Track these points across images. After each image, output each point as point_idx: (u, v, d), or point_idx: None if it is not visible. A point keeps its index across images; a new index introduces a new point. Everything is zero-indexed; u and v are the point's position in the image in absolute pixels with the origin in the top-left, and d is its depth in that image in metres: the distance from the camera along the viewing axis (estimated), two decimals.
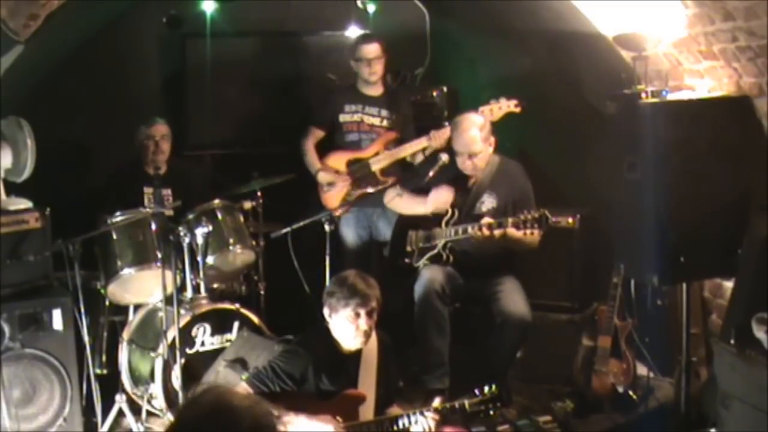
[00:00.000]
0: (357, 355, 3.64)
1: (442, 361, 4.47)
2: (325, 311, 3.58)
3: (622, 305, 4.40)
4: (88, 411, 4.16)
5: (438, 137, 4.80)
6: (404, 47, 5.87)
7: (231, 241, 4.56)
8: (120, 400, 4.26)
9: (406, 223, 4.78)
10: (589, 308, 4.62)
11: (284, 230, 4.51)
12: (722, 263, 3.80)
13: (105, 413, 4.20)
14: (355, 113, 5.07)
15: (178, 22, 5.59)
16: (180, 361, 4.08)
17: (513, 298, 4.42)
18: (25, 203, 4.09)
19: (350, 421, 3.51)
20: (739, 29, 3.60)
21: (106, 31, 5.67)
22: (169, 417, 4.18)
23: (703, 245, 3.73)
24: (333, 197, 5.02)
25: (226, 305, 4.45)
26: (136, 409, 4.29)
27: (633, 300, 4.41)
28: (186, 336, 4.25)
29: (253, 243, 4.76)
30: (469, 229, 4.37)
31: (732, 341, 3.42)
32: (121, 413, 4.28)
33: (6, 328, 3.86)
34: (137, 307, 4.59)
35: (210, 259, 4.50)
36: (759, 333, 3.27)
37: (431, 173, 4.58)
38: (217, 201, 4.59)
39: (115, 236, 4.33)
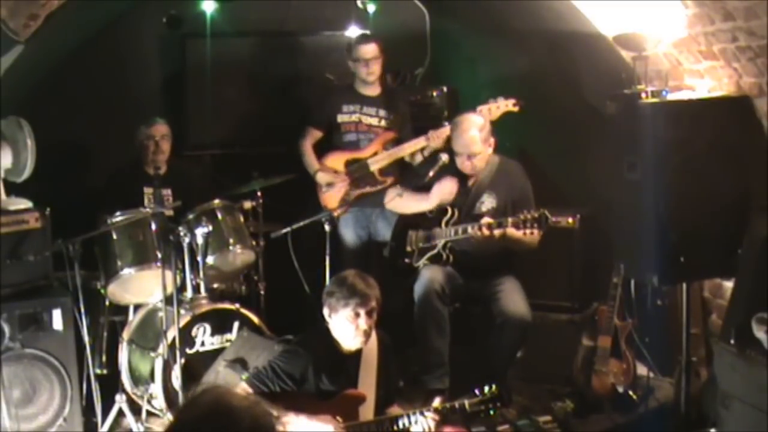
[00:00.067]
0: (357, 355, 3.64)
1: (442, 361, 4.47)
2: (325, 311, 3.58)
3: (622, 305, 4.40)
4: (88, 411, 4.16)
5: (436, 137, 4.80)
6: (404, 47, 5.87)
7: (231, 241, 4.56)
8: (120, 400, 4.26)
9: (406, 224, 4.78)
10: (589, 308, 4.62)
11: (284, 230, 4.51)
12: (722, 263, 3.80)
13: (105, 413, 4.20)
14: (353, 113, 5.07)
15: (178, 22, 5.59)
16: (180, 361, 4.08)
17: (513, 299, 4.42)
18: (25, 203, 4.09)
19: (350, 421, 3.51)
20: (739, 29, 3.60)
21: (106, 31, 5.67)
22: (169, 417, 4.18)
23: (703, 245, 3.73)
24: (332, 197, 5.02)
25: (226, 305, 4.45)
26: (136, 409, 4.29)
27: (633, 300, 4.41)
28: (186, 336, 4.25)
29: (253, 243, 4.76)
30: (469, 229, 4.37)
31: (732, 341, 3.42)
32: (121, 413, 4.28)
33: (6, 328, 3.86)
34: (137, 307, 4.59)
35: (210, 259, 4.50)
36: (759, 333, 3.27)
37: (431, 173, 4.59)
38: (217, 201, 4.59)
39: (115, 236, 4.33)
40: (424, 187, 4.66)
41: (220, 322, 4.39)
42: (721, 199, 3.75)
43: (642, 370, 4.47)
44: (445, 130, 4.76)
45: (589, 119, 4.99)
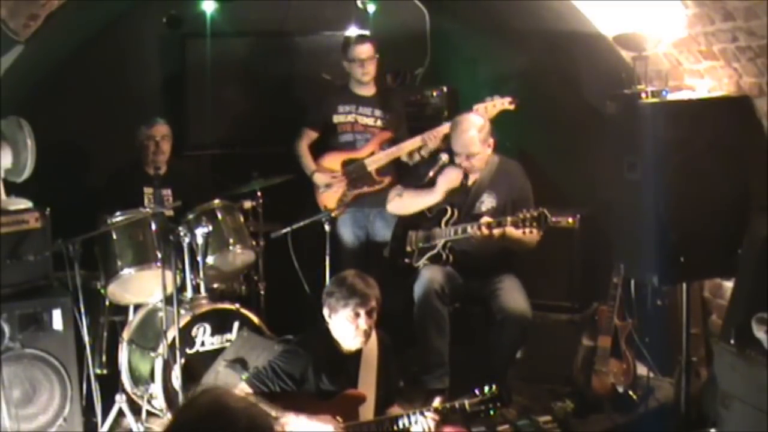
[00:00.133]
0: (357, 355, 3.64)
1: (442, 361, 4.47)
2: (325, 311, 3.58)
3: (622, 305, 4.40)
4: (88, 411, 4.16)
5: (433, 136, 4.80)
6: (404, 47, 5.87)
7: (231, 241, 4.56)
8: (120, 400, 4.26)
9: (406, 224, 4.78)
10: (589, 308, 4.62)
11: (284, 230, 4.52)
12: (722, 263, 3.80)
13: (105, 413, 4.20)
14: (348, 114, 5.06)
15: (178, 22, 5.59)
16: (180, 361, 4.08)
17: (513, 295, 4.42)
18: (25, 203, 4.09)
19: (350, 421, 3.51)
20: (739, 29, 3.60)
21: (106, 31, 5.66)
22: (169, 417, 4.18)
23: (703, 245, 3.73)
24: (329, 198, 5.01)
25: (226, 305, 4.45)
26: (136, 409, 4.29)
27: (633, 300, 4.42)
28: (186, 336, 4.25)
29: (253, 243, 4.76)
30: (469, 229, 4.38)
31: (732, 341, 3.42)
32: (121, 413, 4.28)
33: (6, 328, 3.86)
34: (137, 307, 4.59)
35: (210, 259, 4.50)
36: (759, 333, 3.27)
37: (431, 173, 4.60)
38: (217, 201, 4.59)
39: (115, 236, 4.33)
40: (425, 187, 4.65)
41: (220, 322, 4.39)
42: (721, 199, 3.75)
43: (642, 370, 4.47)
44: (442, 129, 4.77)
45: (589, 119, 4.99)
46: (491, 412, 3.54)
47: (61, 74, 5.47)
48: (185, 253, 4.37)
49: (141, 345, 4.42)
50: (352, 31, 5.71)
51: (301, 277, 4.64)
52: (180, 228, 4.28)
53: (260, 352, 4.06)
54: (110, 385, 4.32)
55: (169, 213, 4.68)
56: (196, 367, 4.23)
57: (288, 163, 5.12)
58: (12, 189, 4.18)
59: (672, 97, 3.99)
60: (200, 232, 4.38)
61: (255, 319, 4.44)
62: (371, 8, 5.82)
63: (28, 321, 3.92)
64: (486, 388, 3.52)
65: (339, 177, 5.01)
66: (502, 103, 4.69)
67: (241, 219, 4.73)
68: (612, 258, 4.27)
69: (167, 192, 4.94)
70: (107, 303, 4.44)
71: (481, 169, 4.58)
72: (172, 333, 4.15)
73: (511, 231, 4.28)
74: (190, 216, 4.46)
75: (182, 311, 4.23)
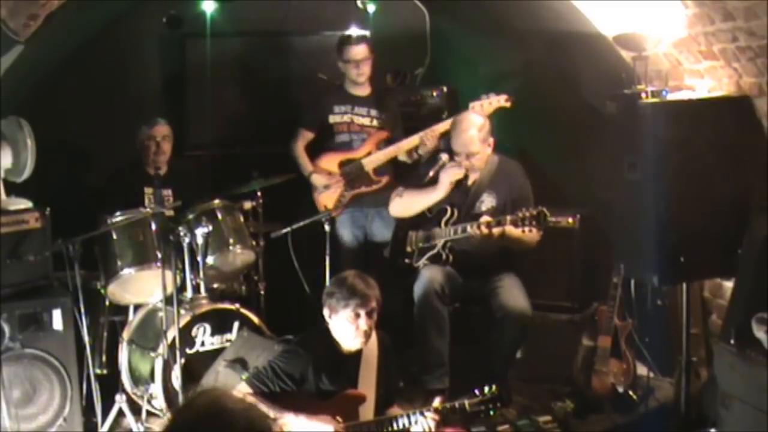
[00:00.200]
0: (357, 355, 3.64)
1: (442, 361, 4.47)
2: (325, 312, 3.57)
3: (622, 305, 4.40)
4: (88, 411, 4.16)
5: (430, 134, 4.80)
6: (404, 47, 5.88)
7: (231, 241, 4.56)
8: (120, 400, 4.26)
9: (406, 224, 4.77)
10: (589, 308, 4.62)
11: (284, 230, 4.52)
12: (722, 263, 3.80)
13: (105, 413, 4.20)
14: (344, 114, 5.06)
15: (178, 22, 5.60)
16: (180, 361, 4.08)
17: (513, 293, 4.42)
18: (25, 203, 4.09)
19: (350, 421, 3.51)
20: (739, 29, 3.60)
21: (106, 31, 5.67)
22: (168, 417, 4.18)
23: (703, 245, 3.73)
24: (327, 199, 5.01)
25: (226, 305, 4.45)
26: (136, 409, 4.29)
27: (633, 300, 4.41)
28: (186, 336, 4.25)
29: (253, 243, 4.76)
30: (468, 228, 4.38)
31: (732, 341, 3.42)
32: (121, 413, 4.28)
33: (6, 328, 3.86)
34: (137, 307, 4.59)
35: (210, 259, 4.49)
36: (759, 333, 3.27)
37: (431, 173, 4.59)
38: (217, 201, 4.59)
39: (115, 236, 4.33)
40: (426, 186, 4.65)
41: (220, 322, 4.39)
42: (721, 199, 3.75)
43: (642, 370, 4.47)
44: (439, 127, 4.77)
45: (589, 119, 4.99)
46: (491, 412, 3.54)
47: (61, 74, 5.48)
48: (185, 253, 4.37)
49: (141, 345, 4.42)
50: (353, 31, 5.71)
51: (301, 277, 4.64)
52: (180, 228, 4.28)
53: (260, 352, 4.05)
54: (110, 385, 4.32)
55: (170, 213, 4.68)
56: (196, 367, 4.23)
57: (288, 163, 5.11)
58: (12, 189, 4.18)
59: (672, 97, 3.99)
60: (200, 232, 4.37)
61: (255, 319, 4.43)
62: (371, 8, 5.82)
63: (28, 321, 3.92)
64: (486, 388, 3.52)
65: (336, 178, 5.01)
66: (498, 101, 4.69)
67: (241, 219, 4.73)
68: (612, 258, 4.27)
69: (167, 192, 4.94)
70: (107, 303, 4.44)
71: (481, 169, 4.58)
72: (172, 333, 4.15)
73: (511, 230, 4.29)
74: (190, 216, 4.46)
75: (182, 311, 4.23)
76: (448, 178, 4.55)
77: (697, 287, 4.45)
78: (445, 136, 4.80)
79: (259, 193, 4.92)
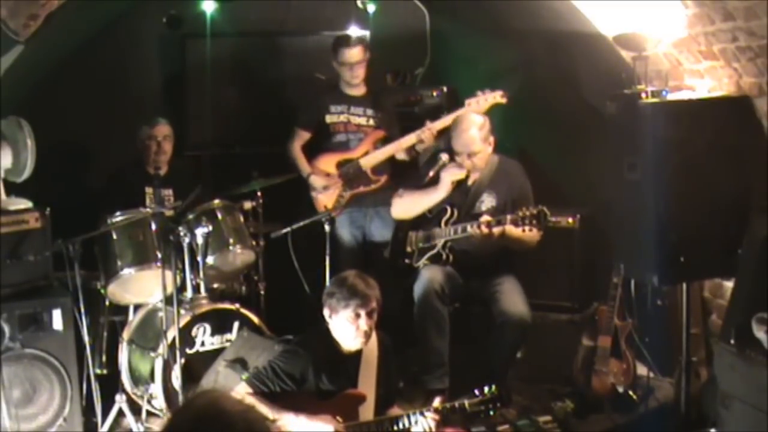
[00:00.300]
0: (357, 355, 3.63)
1: (442, 361, 4.47)
2: (325, 312, 3.57)
3: (622, 305, 4.40)
4: (88, 411, 4.16)
5: (428, 131, 4.79)
6: (404, 47, 5.88)
7: (231, 241, 4.56)
8: (120, 400, 4.26)
9: (406, 224, 4.77)
10: (589, 308, 4.62)
11: (284, 230, 4.52)
12: (722, 263, 3.80)
13: (105, 413, 4.20)
14: (341, 114, 5.06)
15: (178, 22, 5.59)
16: (180, 361, 4.08)
17: (513, 299, 4.42)
18: (25, 203, 4.09)
19: (350, 421, 3.51)
20: (739, 29, 3.60)
21: (106, 31, 5.66)
22: (166, 418, 4.18)
23: (703, 245, 3.73)
24: (326, 200, 5.00)
25: (226, 305, 4.45)
26: (136, 409, 4.29)
27: (633, 300, 4.41)
28: (186, 336, 4.25)
29: (253, 243, 4.76)
30: (469, 228, 4.38)
31: (732, 341, 3.42)
32: (121, 413, 4.28)
33: (6, 328, 3.86)
34: (137, 307, 4.59)
35: (210, 259, 4.49)
36: (759, 333, 3.27)
37: (431, 173, 4.59)
38: (217, 201, 4.59)
39: (115, 236, 4.33)
40: (427, 186, 4.65)
41: (220, 322, 4.39)
42: (721, 199, 3.75)
43: (642, 370, 4.47)
44: (436, 125, 4.77)
45: (589, 119, 4.99)
46: (491, 413, 3.55)
47: (61, 74, 5.47)
48: (185, 253, 4.37)
49: (141, 345, 4.42)
50: (353, 31, 5.72)
51: (301, 277, 4.64)
52: (180, 228, 4.28)
53: (260, 352, 4.05)
54: (110, 385, 4.32)
55: (170, 213, 4.67)
56: (196, 367, 4.23)
57: (288, 162, 5.11)
58: (12, 189, 4.18)
59: (672, 97, 3.99)
60: (200, 232, 4.37)
61: (255, 319, 4.43)
62: (371, 8, 5.82)
63: (28, 321, 3.92)
64: (486, 389, 3.52)
65: (335, 179, 5.01)
66: (493, 97, 4.69)
67: (241, 219, 4.72)
68: (612, 258, 4.27)
69: (168, 192, 4.94)
70: (107, 303, 4.44)
71: (482, 168, 4.58)
72: (172, 333, 4.15)
73: (511, 230, 4.29)
74: (190, 216, 4.46)
75: (182, 311, 4.23)
76: (450, 177, 4.55)
77: (697, 287, 4.45)
78: (443, 135, 4.80)
79: (259, 193, 4.92)
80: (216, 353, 4.27)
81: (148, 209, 4.47)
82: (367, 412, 3.59)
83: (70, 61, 5.53)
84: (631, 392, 4.40)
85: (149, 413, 4.30)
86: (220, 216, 4.55)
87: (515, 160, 4.73)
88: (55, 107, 5.35)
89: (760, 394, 3.21)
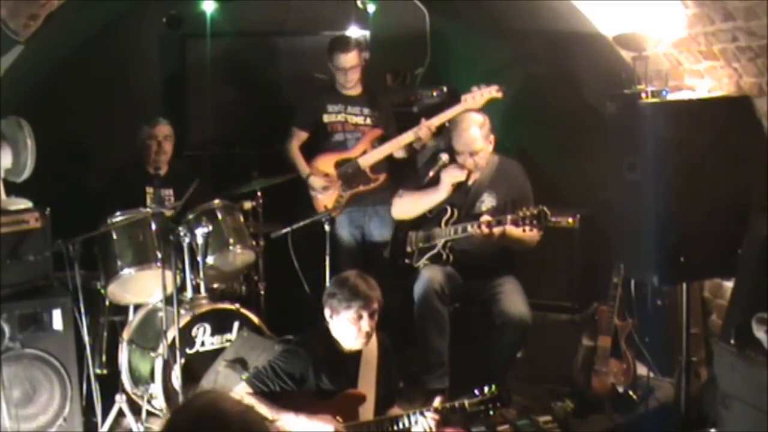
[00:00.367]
0: (357, 355, 3.63)
1: (442, 361, 4.47)
2: (326, 312, 3.57)
3: (622, 305, 4.40)
4: (88, 411, 4.15)
5: (425, 128, 4.79)
6: (404, 47, 5.88)
7: (231, 241, 4.56)
8: (120, 400, 4.26)
9: (406, 224, 4.77)
10: (589, 308, 4.62)
11: (284, 230, 4.52)
12: (722, 263, 3.80)
13: (105, 413, 4.20)
14: (338, 113, 5.06)
15: (178, 22, 5.59)
16: (180, 361, 4.08)
17: (513, 299, 4.42)
18: (25, 203, 4.09)
19: (350, 421, 3.51)
20: (739, 29, 3.60)
21: (106, 31, 5.67)
22: (165, 419, 4.17)
23: (703, 245, 3.73)
24: (326, 201, 5.00)
25: (226, 305, 4.45)
26: (136, 409, 4.29)
27: (633, 300, 4.41)
28: (186, 336, 4.25)
29: (253, 243, 4.76)
30: (469, 228, 4.38)
31: (732, 341, 3.42)
32: (121, 413, 4.28)
33: (6, 328, 3.86)
34: (137, 307, 4.59)
35: (210, 259, 4.49)
36: (759, 333, 3.27)
37: (431, 173, 4.59)
38: (217, 201, 4.59)
39: (115, 236, 4.33)
40: (427, 186, 4.65)
41: (220, 322, 4.39)
42: (721, 199, 3.75)
43: (642, 370, 4.47)
44: (433, 122, 4.77)
45: (589, 119, 4.99)
46: (491, 412, 3.54)
47: (61, 74, 5.48)
48: (185, 253, 4.37)
49: (141, 345, 4.42)
50: (353, 31, 5.72)
51: (301, 277, 4.64)
52: (180, 228, 4.28)
53: (260, 352, 4.05)
54: (110, 385, 4.32)
55: (170, 213, 4.67)
56: (196, 367, 4.23)
57: (287, 163, 5.11)
58: (12, 189, 4.18)
59: (672, 97, 3.99)
60: (200, 232, 4.37)
61: (255, 319, 4.43)
62: (371, 8, 5.82)
63: (28, 321, 3.92)
64: (486, 389, 3.52)
65: (334, 180, 5.00)
66: (489, 92, 4.68)
67: (241, 219, 4.72)
68: (612, 258, 4.27)
69: (168, 192, 4.94)
70: (107, 303, 4.44)
71: (483, 168, 4.57)
72: (172, 333, 4.15)
73: (511, 230, 4.29)
74: (190, 216, 4.46)
75: (182, 311, 4.23)
76: (450, 179, 4.55)
77: (697, 287, 4.45)
78: (443, 134, 4.80)
79: (259, 193, 4.92)
80: (216, 353, 4.27)
81: (148, 209, 4.46)
82: (367, 412, 3.59)
83: (70, 61, 5.53)
84: (631, 392, 4.40)
85: (149, 413, 4.30)
86: (220, 216, 4.55)
87: (515, 160, 4.73)
88: (55, 107, 5.35)
89: (760, 394, 3.21)
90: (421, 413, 3.48)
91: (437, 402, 3.59)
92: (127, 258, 4.32)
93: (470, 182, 4.61)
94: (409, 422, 3.48)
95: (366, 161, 4.98)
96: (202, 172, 5.61)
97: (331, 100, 5.07)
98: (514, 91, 4.81)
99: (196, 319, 4.31)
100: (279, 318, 4.74)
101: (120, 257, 4.32)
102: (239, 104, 5.85)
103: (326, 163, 5.04)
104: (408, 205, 4.73)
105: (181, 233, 4.27)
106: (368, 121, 5.05)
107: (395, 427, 3.50)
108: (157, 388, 4.21)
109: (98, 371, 4.34)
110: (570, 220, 4.87)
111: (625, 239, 4.00)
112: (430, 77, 5.90)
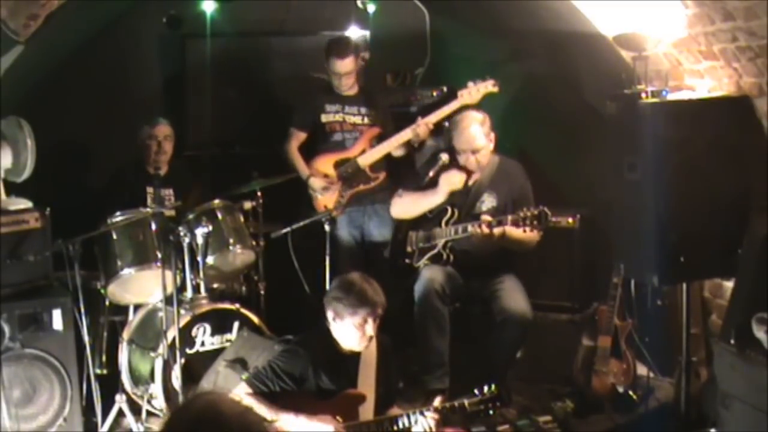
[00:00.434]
0: (357, 355, 3.63)
1: (442, 361, 4.47)
2: (329, 315, 3.55)
3: (622, 305, 4.40)
4: (88, 411, 4.15)
5: (423, 125, 4.79)
6: (404, 47, 5.87)
7: (231, 241, 4.56)
8: (120, 400, 4.25)
9: (406, 224, 4.77)
10: (589, 308, 4.62)
11: (284, 230, 4.52)
12: (722, 263, 3.80)
13: (105, 413, 4.20)
14: (336, 113, 5.06)
15: (178, 22, 5.59)
16: (180, 361, 4.08)
17: (513, 296, 4.42)
18: (25, 203, 4.09)
19: (350, 421, 3.50)
20: (739, 29, 3.60)
21: (106, 31, 5.67)
22: (164, 419, 4.17)
23: (703, 245, 3.73)
24: (326, 202, 5.00)
25: (226, 305, 4.45)
26: (136, 409, 4.28)
27: (633, 300, 4.41)
28: (186, 336, 4.25)
29: (253, 243, 4.76)
30: (469, 228, 4.38)
31: (732, 341, 3.42)
32: (121, 413, 4.28)
33: (6, 328, 3.86)
34: (137, 307, 4.59)
35: (210, 259, 4.49)
36: (759, 333, 3.27)
37: (431, 173, 4.59)
38: (217, 201, 4.59)
39: (115, 236, 4.33)
40: (426, 188, 4.65)
41: (220, 322, 4.39)
42: (721, 199, 3.75)
43: (642, 370, 4.47)
44: (431, 119, 4.77)
45: (589, 119, 5.00)
46: (491, 412, 3.55)
47: (61, 74, 5.48)
48: (185, 253, 4.37)
49: (141, 345, 4.42)
50: (353, 31, 5.72)
51: (301, 277, 4.64)
52: (180, 228, 4.28)
53: (260, 352, 4.05)
54: (110, 385, 4.32)
55: (170, 213, 4.68)
56: (196, 367, 4.23)
57: (286, 163, 5.11)
58: (12, 189, 4.18)
59: (672, 97, 4.00)
60: (200, 232, 4.37)
61: (255, 319, 4.43)
62: (371, 8, 5.82)
63: (28, 321, 3.92)
64: (486, 388, 3.52)
65: (334, 180, 5.00)
66: (485, 87, 4.69)
67: (241, 219, 4.72)
68: (612, 258, 4.27)
69: (168, 192, 4.94)
70: (107, 303, 4.44)
71: (485, 167, 4.57)
72: (172, 333, 4.15)
73: (512, 230, 4.29)
74: (190, 216, 4.46)
75: (182, 311, 4.23)
76: (447, 186, 4.55)
77: (697, 287, 4.45)
78: (442, 133, 4.80)
79: (259, 193, 4.91)
80: (216, 353, 4.27)
81: (148, 209, 4.46)
82: (366, 411, 3.59)
83: (70, 61, 5.53)
84: (631, 392, 4.40)
85: (149, 413, 4.30)
86: (220, 216, 4.55)
87: (515, 161, 4.73)
88: (55, 107, 5.35)
89: (760, 394, 3.21)
90: (421, 413, 3.48)
91: (437, 402, 3.59)
92: (127, 258, 4.32)
93: (471, 182, 4.61)
94: (409, 422, 3.48)
95: (365, 160, 4.98)
96: (202, 172, 5.61)
97: (329, 100, 5.07)
98: (514, 91, 4.81)
99: (196, 319, 4.31)
100: (279, 318, 4.74)
101: (120, 257, 4.32)
102: (239, 104, 5.85)
103: (325, 163, 5.04)
104: (407, 206, 4.74)
105: (181, 233, 4.27)
106: (366, 120, 5.05)
107: (395, 427, 3.50)
108: (157, 388, 4.21)
109: (98, 371, 4.34)
110: (570, 220, 4.86)
111: (625, 239, 4.00)
112: (430, 77, 5.89)
